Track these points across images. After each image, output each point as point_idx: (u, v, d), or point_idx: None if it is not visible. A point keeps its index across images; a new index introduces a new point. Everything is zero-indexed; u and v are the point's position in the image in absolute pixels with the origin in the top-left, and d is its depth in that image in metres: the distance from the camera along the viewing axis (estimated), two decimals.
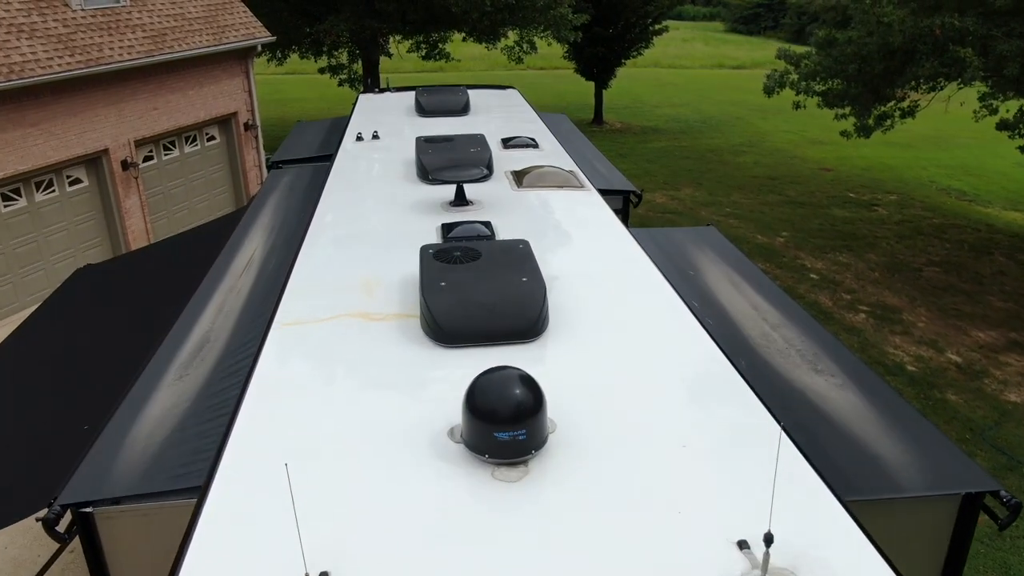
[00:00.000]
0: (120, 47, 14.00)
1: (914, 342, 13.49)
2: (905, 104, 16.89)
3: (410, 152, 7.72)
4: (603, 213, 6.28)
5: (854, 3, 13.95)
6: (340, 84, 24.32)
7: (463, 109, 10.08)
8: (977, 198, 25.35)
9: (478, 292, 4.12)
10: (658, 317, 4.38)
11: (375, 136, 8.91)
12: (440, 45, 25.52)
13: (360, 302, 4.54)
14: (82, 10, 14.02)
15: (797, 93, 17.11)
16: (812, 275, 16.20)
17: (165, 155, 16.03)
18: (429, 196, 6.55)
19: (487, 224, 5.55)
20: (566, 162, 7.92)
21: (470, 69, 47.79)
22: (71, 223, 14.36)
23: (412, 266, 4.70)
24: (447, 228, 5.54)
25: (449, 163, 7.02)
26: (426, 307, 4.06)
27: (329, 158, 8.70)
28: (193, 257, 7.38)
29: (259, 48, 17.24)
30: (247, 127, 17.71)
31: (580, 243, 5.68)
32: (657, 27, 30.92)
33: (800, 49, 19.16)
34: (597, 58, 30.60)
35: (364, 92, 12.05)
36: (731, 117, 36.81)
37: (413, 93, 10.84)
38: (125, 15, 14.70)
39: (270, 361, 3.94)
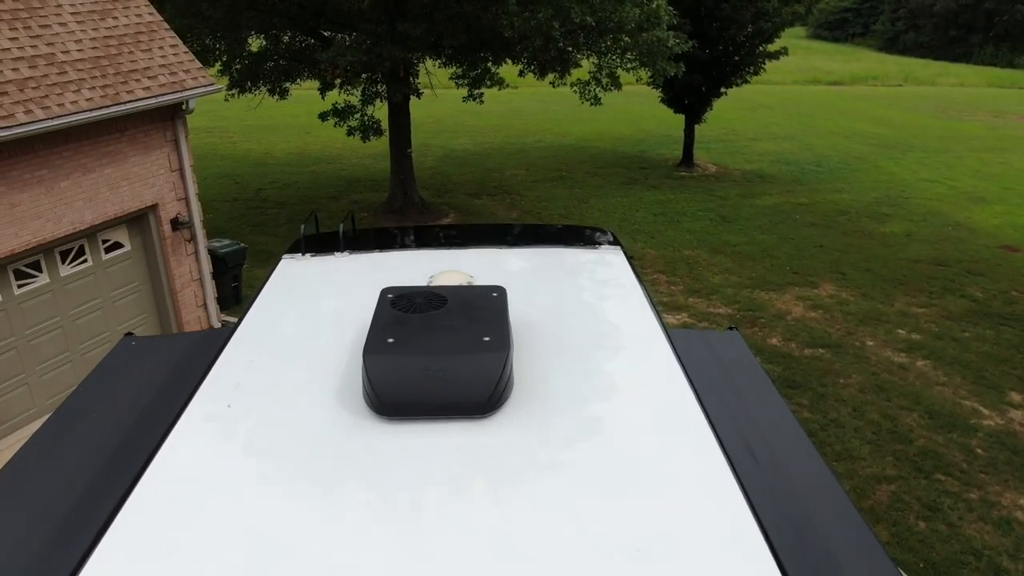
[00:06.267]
0: None
1: None
2: None
3: None
4: None
5: None
6: (350, 133, 17.76)
7: (488, 403, 3.25)
8: None
9: None
10: None
11: None
12: (492, 70, 18.89)
13: None
14: None
15: None
16: None
17: (19, 286, 9.76)
18: None
19: None
20: None
21: (531, 85, 41.07)
22: None
23: None
24: None
25: None
26: None
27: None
28: None
29: (187, 105, 10.71)
30: (177, 224, 11.32)
31: None
32: (771, 48, 23.83)
33: None
34: (691, 87, 23.75)
35: (288, 252, 5.51)
36: (850, 156, 29.44)
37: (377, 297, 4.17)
38: None
39: None
